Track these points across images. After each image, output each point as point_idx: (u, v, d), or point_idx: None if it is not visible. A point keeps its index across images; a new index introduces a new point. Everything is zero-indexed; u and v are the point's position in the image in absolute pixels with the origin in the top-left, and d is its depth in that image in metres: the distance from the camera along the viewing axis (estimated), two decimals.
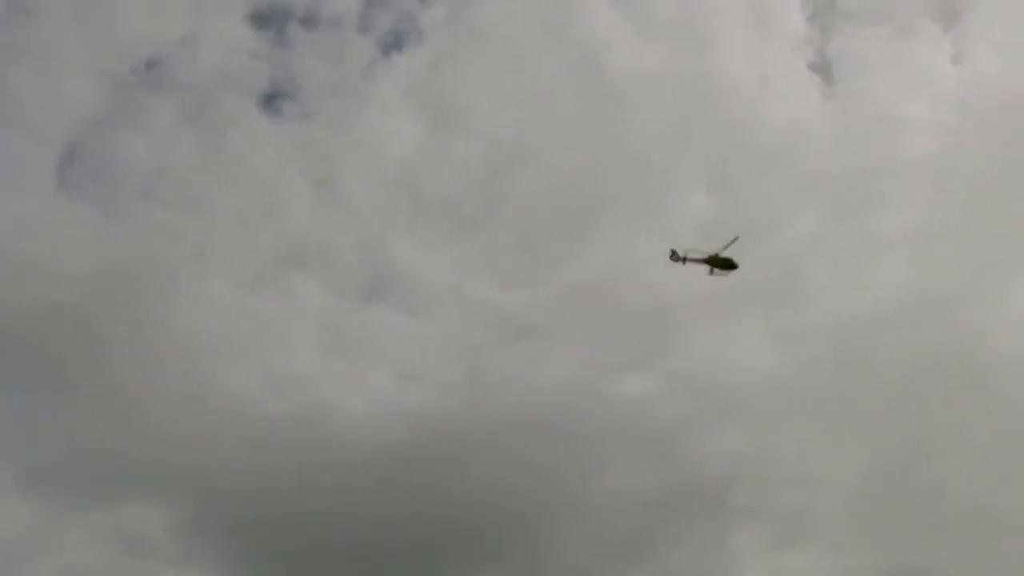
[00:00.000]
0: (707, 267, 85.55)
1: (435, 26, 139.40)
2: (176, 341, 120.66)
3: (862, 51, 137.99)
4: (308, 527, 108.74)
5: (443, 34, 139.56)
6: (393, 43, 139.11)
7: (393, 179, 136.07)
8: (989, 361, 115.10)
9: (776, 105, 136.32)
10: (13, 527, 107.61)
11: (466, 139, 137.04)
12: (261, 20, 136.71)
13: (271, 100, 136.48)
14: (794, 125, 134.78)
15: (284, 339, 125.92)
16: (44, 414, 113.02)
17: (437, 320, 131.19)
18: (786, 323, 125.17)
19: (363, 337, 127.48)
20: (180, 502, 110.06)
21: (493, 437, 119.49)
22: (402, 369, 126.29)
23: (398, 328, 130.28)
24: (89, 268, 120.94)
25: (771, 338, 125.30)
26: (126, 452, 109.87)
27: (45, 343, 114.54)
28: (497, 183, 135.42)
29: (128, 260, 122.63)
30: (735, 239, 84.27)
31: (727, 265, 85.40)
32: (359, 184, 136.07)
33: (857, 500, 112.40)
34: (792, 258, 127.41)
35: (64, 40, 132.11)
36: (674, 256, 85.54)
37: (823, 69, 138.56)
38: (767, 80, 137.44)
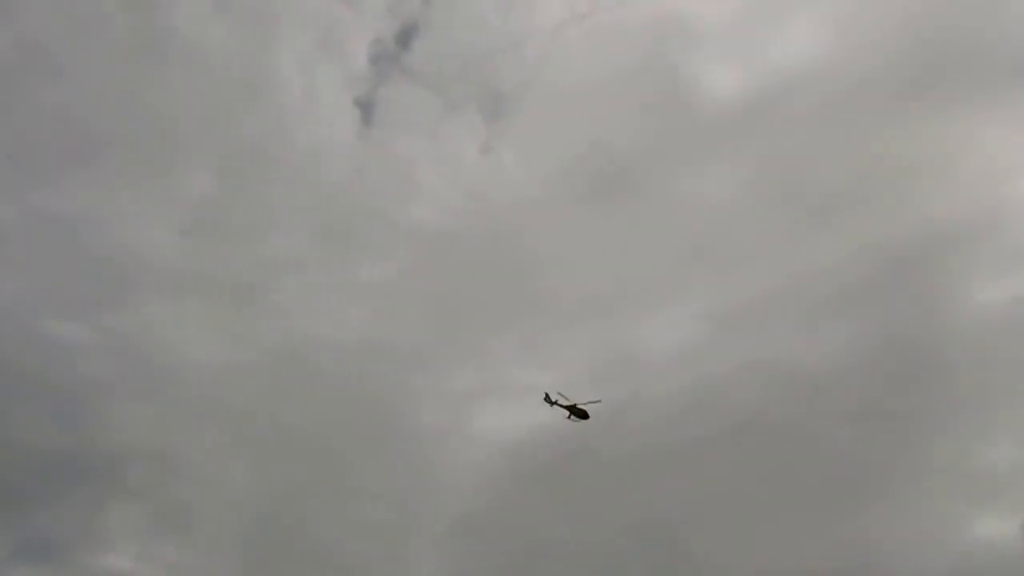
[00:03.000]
0: (567, 412, 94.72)
1: None
2: None
3: (407, 109, 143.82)
4: None
5: None
6: None
7: None
8: (401, 425, 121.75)
9: (312, 123, 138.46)
10: None
11: None
12: None
13: None
14: (321, 149, 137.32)
15: None
16: None
17: None
18: (246, 328, 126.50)
19: None
20: None
21: None
22: None
23: None
24: None
25: (226, 337, 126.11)
26: None
27: None
28: (19, 90, 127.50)
29: None
30: (599, 400, 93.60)
31: (582, 415, 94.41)
32: None
33: (237, 508, 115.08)
34: (273, 271, 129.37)
35: None
36: (547, 399, 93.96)
37: (366, 109, 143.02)
38: (313, 97, 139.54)
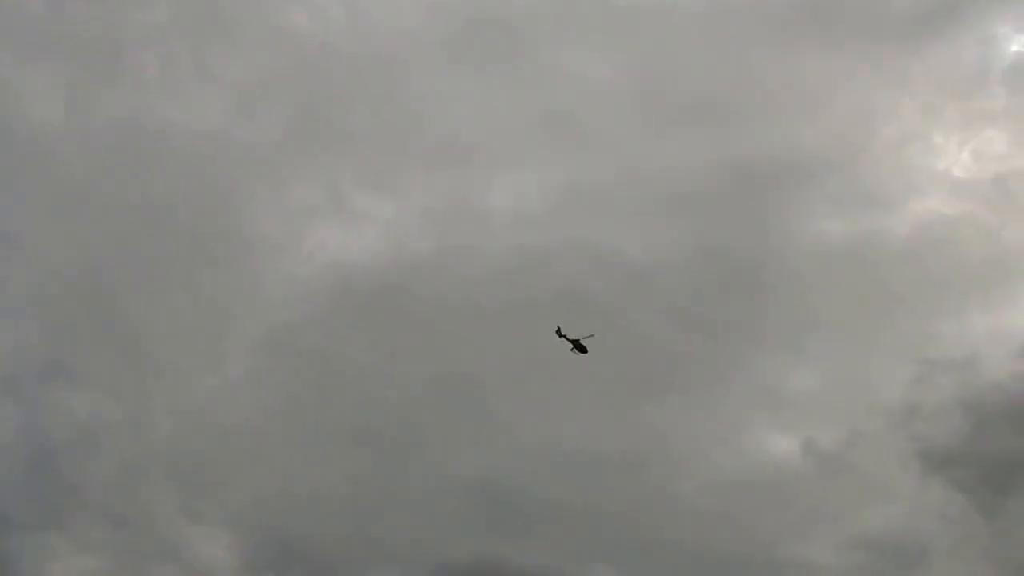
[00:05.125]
0: (570, 345, 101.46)
1: None
2: None
3: None
4: None
5: None
6: None
7: None
8: (233, 227, 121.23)
9: None
10: None
11: None
12: None
13: None
14: None
15: None
16: None
17: None
18: (95, 95, 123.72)
19: None
20: None
21: None
22: None
23: None
24: None
25: (71, 99, 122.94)
26: None
27: None
28: None
29: None
30: (592, 335, 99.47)
31: (583, 350, 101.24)
32: None
33: (50, 277, 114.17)
34: (134, 41, 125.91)
35: None
36: (558, 332, 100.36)
37: None
38: None
